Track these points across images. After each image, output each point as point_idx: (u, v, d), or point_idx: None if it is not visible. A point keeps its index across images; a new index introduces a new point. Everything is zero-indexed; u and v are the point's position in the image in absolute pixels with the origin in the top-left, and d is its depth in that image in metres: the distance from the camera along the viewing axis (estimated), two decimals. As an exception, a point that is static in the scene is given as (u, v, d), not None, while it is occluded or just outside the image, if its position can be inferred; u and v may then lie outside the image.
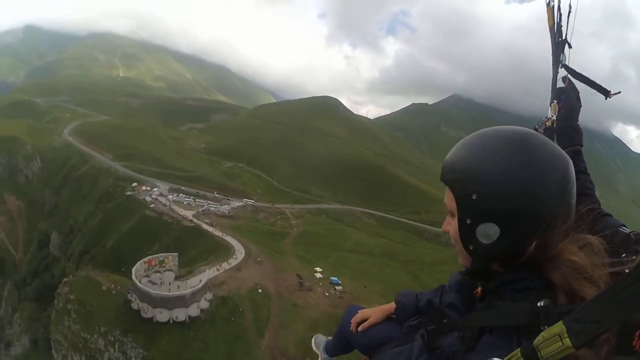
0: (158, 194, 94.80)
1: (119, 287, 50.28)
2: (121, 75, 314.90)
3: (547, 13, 2.14)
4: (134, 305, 47.16)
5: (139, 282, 48.46)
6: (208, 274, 52.54)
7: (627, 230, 1.74)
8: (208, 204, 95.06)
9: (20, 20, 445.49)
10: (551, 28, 2.12)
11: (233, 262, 61.53)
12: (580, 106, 2.08)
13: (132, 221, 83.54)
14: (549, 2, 2.20)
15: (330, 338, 3.39)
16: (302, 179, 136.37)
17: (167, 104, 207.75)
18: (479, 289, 1.66)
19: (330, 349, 3.29)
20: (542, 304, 1.24)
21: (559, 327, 0.98)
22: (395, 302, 2.46)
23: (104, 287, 50.84)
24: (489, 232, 1.37)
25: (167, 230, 79.17)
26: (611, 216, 1.84)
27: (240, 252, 65.18)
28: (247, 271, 59.10)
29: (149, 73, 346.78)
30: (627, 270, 1.09)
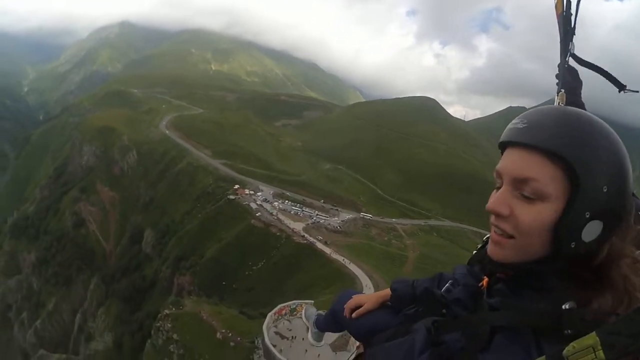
0: (263, 200, 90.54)
1: (239, 339, 42.83)
2: (214, 69, 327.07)
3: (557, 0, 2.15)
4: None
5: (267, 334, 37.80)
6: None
7: None
8: (317, 215, 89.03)
9: (115, 17, 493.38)
10: (559, 15, 2.14)
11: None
12: (581, 83, 2.12)
13: (235, 230, 79.21)
14: None
15: (321, 312, 3.63)
16: (407, 189, 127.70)
17: (261, 99, 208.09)
18: (485, 281, 1.67)
19: (320, 325, 3.49)
20: (567, 306, 1.21)
21: (593, 338, 0.95)
22: (391, 290, 2.50)
23: (218, 335, 44.15)
24: (593, 230, 1.28)
25: (275, 245, 74.00)
26: None
27: (367, 286, 57.22)
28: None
29: (241, 68, 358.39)
30: None
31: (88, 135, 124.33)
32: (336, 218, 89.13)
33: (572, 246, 1.29)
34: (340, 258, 68.80)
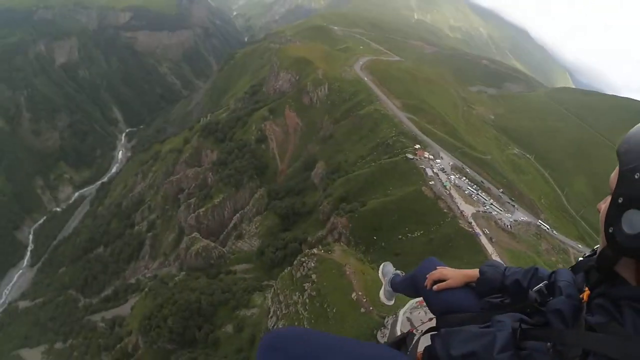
0: (440, 169, 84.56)
1: (371, 309, 40.48)
2: (416, 18, 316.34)
3: None
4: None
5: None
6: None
7: None
8: (491, 204, 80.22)
9: None
10: None
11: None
12: None
13: (404, 191, 76.18)
14: None
15: (398, 272, 3.70)
16: (597, 210, 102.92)
17: (461, 59, 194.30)
18: (586, 292, 1.63)
19: (395, 286, 3.56)
20: None
21: None
22: (480, 272, 2.52)
23: (354, 295, 42.50)
24: (635, 221, 1.33)
25: (438, 221, 69.48)
26: None
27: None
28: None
29: (445, 21, 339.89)
30: None
31: (286, 62, 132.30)
32: (509, 215, 79.38)
33: (610, 231, 1.40)
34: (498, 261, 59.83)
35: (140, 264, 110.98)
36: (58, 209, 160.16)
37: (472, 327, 1.96)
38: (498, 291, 2.37)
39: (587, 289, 1.71)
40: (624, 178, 1.40)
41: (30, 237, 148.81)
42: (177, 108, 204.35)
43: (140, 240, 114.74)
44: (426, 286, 2.73)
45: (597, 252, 1.59)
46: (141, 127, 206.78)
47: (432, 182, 77.67)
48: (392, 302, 4.12)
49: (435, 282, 2.68)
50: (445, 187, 77.68)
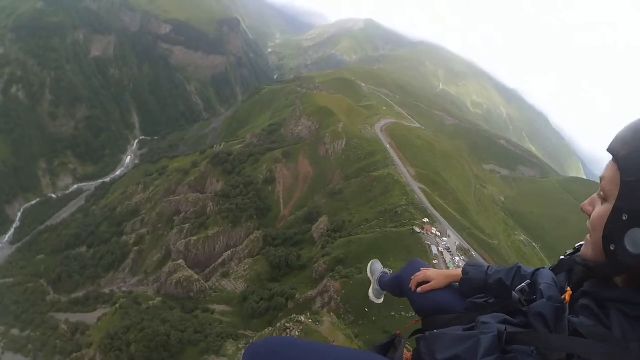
0: (445, 247, 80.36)
1: None
2: (441, 87, 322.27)
3: None
4: None
5: None
6: None
7: None
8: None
9: (363, 12, 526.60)
10: None
11: None
12: None
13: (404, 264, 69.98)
14: None
15: (386, 271, 3.76)
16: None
17: (479, 135, 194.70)
18: (568, 292, 1.63)
19: (383, 284, 3.61)
20: None
21: None
22: (463, 273, 2.53)
23: None
24: (639, 240, 1.25)
25: None
26: None
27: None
28: None
29: (468, 95, 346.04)
30: None
31: (309, 109, 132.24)
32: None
33: (612, 249, 1.30)
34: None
35: (119, 276, 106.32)
36: (53, 196, 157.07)
37: (457, 330, 1.96)
38: (482, 291, 2.37)
39: (569, 289, 1.70)
40: (629, 190, 1.27)
41: (19, 214, 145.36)
42: (194, 128, 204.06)
43: (125, 251, 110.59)
44: (411, 288, 2.72)
45: (584, 259, 1.55)
46: (155, 138, 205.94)
47: (435, 262, 73.37)
48: (381, 300, 3.99)
49: (420, 284, 2.67)
50: (448, 268, 74.34)
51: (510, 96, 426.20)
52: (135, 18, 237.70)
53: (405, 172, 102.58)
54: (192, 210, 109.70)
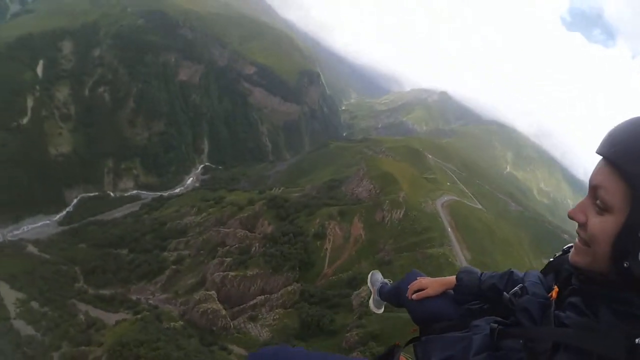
0: None
1: None
2: (508, 170, 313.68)
3: None
4: None
5: None
6: None
7: None
8: None
9: (439, 85, 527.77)
10: None
11: None
12: None
13: None
14: None
15: (386, 281, 3.79)
16: None
17: (542, 227, 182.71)
18: (555, 290, 1.64)
19: (383, 294, 3.64)
20: (638, 341, 1.17)
21: None
22: (456, 279, 2.57)
23: None
24: None
25: None
26: None
27: None
28: None
29: (535, 182, 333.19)
30: None
31: (373, 172, 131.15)
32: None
33: (625, 265, 1.24)
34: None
35: (150, 287, 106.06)
36: (112, 194, 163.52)
37: (452, 334, 2.02)
38: (476, 297, 2.39)
39: (555, 287, 1.71)
40: None
41: (75, 200, 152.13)
42: (258, 167, 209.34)
43: (163, 266, 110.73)
44: (407, 297, 2.77)
45: (575, 266, 1.54)
46: (220, 167, 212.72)
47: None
48: (381, 310, 4.04)
49: (416, 292, 2.70)
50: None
51: (578, 187, 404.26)
52: (224, 54, 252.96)
53: (460, 255, 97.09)
54: (237, 245, 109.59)
